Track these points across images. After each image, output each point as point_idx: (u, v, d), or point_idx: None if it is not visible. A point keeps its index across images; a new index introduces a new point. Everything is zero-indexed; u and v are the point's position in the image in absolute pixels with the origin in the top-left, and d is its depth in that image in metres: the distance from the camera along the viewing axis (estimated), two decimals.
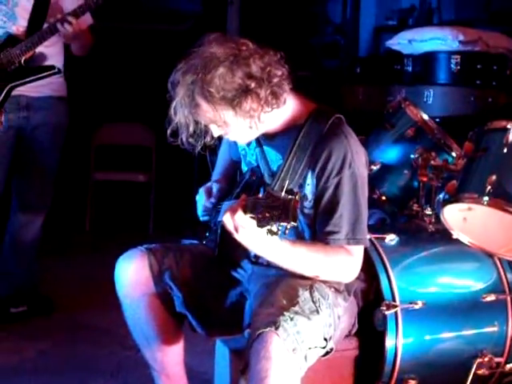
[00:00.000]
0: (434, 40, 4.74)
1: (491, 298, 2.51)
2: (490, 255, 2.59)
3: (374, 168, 2.89)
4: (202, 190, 2.48)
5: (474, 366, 2.46)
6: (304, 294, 2.13)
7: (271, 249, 2.08)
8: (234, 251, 2.36)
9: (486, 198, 2.38)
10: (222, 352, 2.53)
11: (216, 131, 2.20)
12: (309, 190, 2.21)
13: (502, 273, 2.57)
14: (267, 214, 1.91)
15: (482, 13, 5.58)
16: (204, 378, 2.97)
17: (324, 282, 2.21)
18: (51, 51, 3.53)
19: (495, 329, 2.52)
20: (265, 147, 2.32)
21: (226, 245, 2.31)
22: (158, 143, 5.57)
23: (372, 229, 2.47)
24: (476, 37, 4.71)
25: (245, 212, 1.97)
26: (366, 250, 2.27)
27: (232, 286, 2.43)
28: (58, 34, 3.42)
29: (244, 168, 2.46)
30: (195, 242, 2.54)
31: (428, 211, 2.79)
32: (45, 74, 3.47)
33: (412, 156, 2.86)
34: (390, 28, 6.29)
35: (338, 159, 2.15)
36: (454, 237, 2.57)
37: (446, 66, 4.68)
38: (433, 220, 2.76)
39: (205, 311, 2.39)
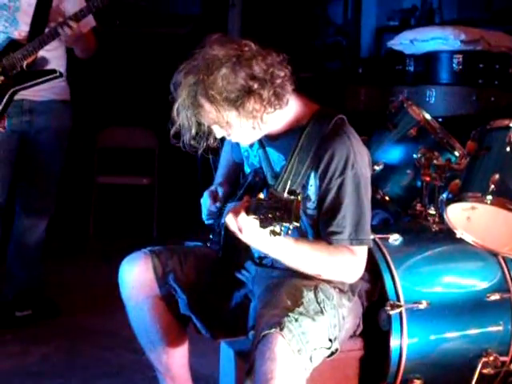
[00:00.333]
0: (436, 40, 4.75)
1: (496, 297, 2.51)
2: (494, 254, 2.58)
3: (377, 168, 2.89)
4: (206, 194, 2.48)
5: (480, 366, 2.45)
6: (308, 295, 2.13)
7: (274, 246, 2.08)
8: (237, 253, 2.37)
9: (489, 197, 2.38)
10: (226, 354, 2.53)
11: (219, 132, 2.20)
12: (312, 190, 2.21)
13: (507, 271, 2.57)
14: (270, 215, 1.91)
15: (483, 12, 5.59)
16: (209, 380, 2.98)
17: (328, 282, 2.21)
18: (53, 55, 3.54)
19: (500, 328, 2.51)
20: (267, 148, 2.32)
21: (230, 247, 2.32)
22: (160, 146, 5.57)
23: (375, 229, 2.46)
24: (478, 36, 4.72)
25: (248, 213, 1.98)
26: (369, 251, 2.27)
27: (236, 288, 2.43)
28: (59, 38, 3.43)
29: (247, 169, 2.46)
30: (199, 244, 2.54)
31: (431, 211, 2.79)
32: (46, 77, 3.48)
33: (415, 156, 2.85)
34: (391, 28, 6.30)
35: (340, 160, 2.15)
36: (458, 236, 2.57)
37: (448, 65, 4.69)
38: (436, 219, 2.76)
39: (209, 313, 2.39)
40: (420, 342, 2.43)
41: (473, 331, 2.49)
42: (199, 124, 2.18)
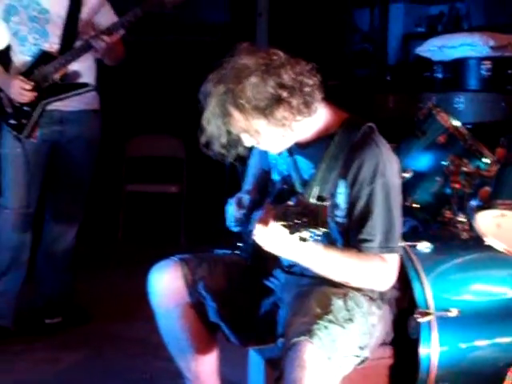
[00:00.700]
0: (464, 46, 4.73)
1: None
2: None
3: (406, 176, 2.88)
4: (232, 201, 2.48)
5: (510, 375, 2.43)
6: (338, 303, 2.13)
7: (304, 254, 2.08)
8: (266, 261, 2.37)
9: None
10: (255, 361, 2.53)
11: (248, 141, 2.21)
12: (341, 199, 2.21)
13: None
14: (297, 221, 1.92)
15: (511, 18, 5.55)
16: None
17: (358, 290, 2.21)
18: (84, 67, 3.58)
19: None
20: (296, 156, 2.32)
21: (259, 254, 2.31)
22: (188, 154, 5.58)
23: (405, 236, 2.45)
24: (506, 42, 4.69)
25: (275, 220, 1.98)
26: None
27: (265, 296, 2.43)
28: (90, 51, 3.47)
29: (275, 177, 2.46)
30: (228, 251, 2.55)
31: (461, 218, 2.77)
32: (79, 91, 3.52)
33: (444, 163, 2.84)
34: (418, 35, 6.28)
35: (370, 168, 2.15)
36: (488, 243, 2.55)
37: (477, 71, 4.67)
38: (466, 227, 2.74)
39: (238, 321, 2.40)
40: (450, 350, 2.41)
41: (504, 340, 2.47)
42: (229, 133, 2.19)
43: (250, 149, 2.34)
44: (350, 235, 2.22)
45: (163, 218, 5.92)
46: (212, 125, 2.16)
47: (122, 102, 5.81)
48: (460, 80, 4.78)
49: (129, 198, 5.65)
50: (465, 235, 2.71)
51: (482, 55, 4.66)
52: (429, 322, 2.36)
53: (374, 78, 6.16)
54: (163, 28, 5.92)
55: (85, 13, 3.52)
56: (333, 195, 2.21)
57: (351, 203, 2.19)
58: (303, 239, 1.94)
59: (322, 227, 1.90)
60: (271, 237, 2.00)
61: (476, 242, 2.61)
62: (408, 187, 2.88)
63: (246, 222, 2.42)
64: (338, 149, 2.20)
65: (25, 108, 3.47)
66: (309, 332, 1.98)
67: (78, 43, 3.49)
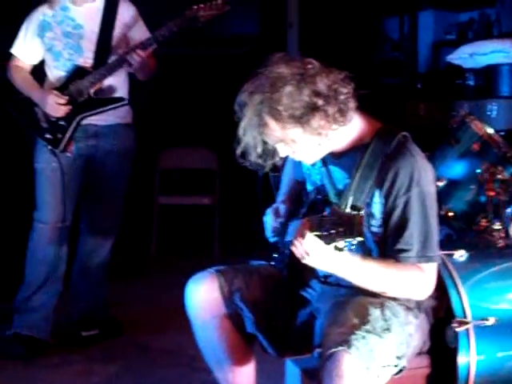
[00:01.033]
0: (496, 53, 4.70)
1: None
2: None
3: (440, 184, 2.87)
4: (269, 211, 2.49)
5: None
6: (375, 313, 2.12)
7: (342, 266, 2.09)
8: (302, 271, 2.37)
9: None
10: (292, 372, 2.53)
11: (283, 151, 2.22)
12: (377, 208, 2.21)
13: None
14: (333, 231, 1.93)
15: None
16: None
17: (394, 299, 2.20)
18: (118, 81, 3.61)
19: None
20: (330, 166, 2.33)
21: (295, 265, 2.32)
22: (221, 166, 5.61)
23: (440, 245, 2.44)
24: None
25: (311, 230, 1.99)
26: None
27: (301, 306, 2.43)
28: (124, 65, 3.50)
29: (309, 188, 2.47)
30: (263, 262, 2.55)
31: (496, 226, 2.76)
32: (114, 105, 3.55)
33: (478, 171, 2.83)
34: (448, 42, 6.26)
35: (405, 178, 2.15)
36: None
37: (509, 78, 4.64)
38: (502, 235, 2.73)
39: (275, 331, 2.40)
40: (488, 359, 2.39)
41: None
42: (264, 142, 2.20)
43: (284, 159, 2.35)
44: (386, 245, 2.21)
45: (196, 230, 5.94)
46: (248, 135, 2.16)
47: (155, 115, 5.85)
48: (492, 87, 4.75)
49: (162, 210, 5.69)
50: (501, 243, 2.70)
51: None
52: (467, 331, 2.35)
53: (404, 87, 6.15)
54: (195, 41, 5.95)
55: (118, 28, 3.56)
56: (368, 205, 2.21)
57: (387, 213, 2.19)
58: (339, 249, 1.95)
59: (358, 236, 1.91)
60: (308, 250, 2.01)
61: None
62: (442, 196, 2.87)
63: (282, 231, 2.43)
64: (372, 158, 2.20)
65: (60, 122, 3.51)
66: (346, 342, 1.98)
67: (112, 58, 3.53)
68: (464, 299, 2.40)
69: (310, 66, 2.13)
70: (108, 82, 3.55)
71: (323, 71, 2.14)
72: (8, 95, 3.69)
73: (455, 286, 2.42)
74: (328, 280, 2.35)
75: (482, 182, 2.82)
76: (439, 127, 3.25)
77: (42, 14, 3.55)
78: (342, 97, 2.14)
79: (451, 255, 2.52)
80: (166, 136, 5.94)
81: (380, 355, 2.04)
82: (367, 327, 2.06)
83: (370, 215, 2.21)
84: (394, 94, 5.91)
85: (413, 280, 2.18)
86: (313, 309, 2.41)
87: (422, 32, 6.44)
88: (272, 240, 2.48)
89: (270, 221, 2.47)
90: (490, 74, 4.77)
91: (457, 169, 2.93)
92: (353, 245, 1.98)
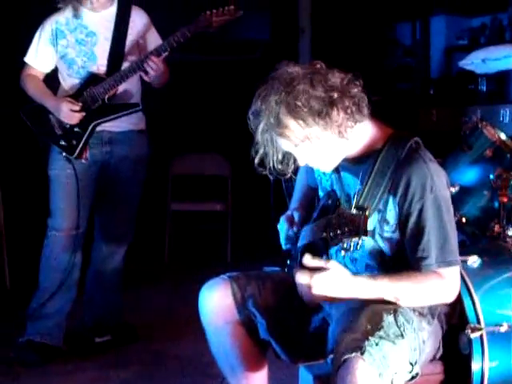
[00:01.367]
0: (508, 58, 4.69)
1: None
2: None
3: (453, 190, 2.87)
4: (283, 219, 2.49)
5: None
6: (388, 319, 2.11)
7: (355, 291, 2.11)
8: None
9: None
10: (305, 378, 2.53)
11: (301, 159, 2.21)
12: (391, 215, 2.21)
13: None
14: (338, 232, 1.93)
15: None
16: None
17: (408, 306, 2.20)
18: (131, 87, 3.64)
19: None
20: (342, 173, 2.33)
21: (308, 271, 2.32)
22: (233, 172, 5.61)
23: None
24: None
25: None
26: None
27: (314, 312, 2.43)
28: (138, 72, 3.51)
29: (321, 194, 2.47)
30: (276, 269, 2.56)
31: (510, 232, 2.76)
32: (128, 111, 3.57)
33: (491, 176, 2.83)
34: (461, 47, 6.25)
35: (418, 184, 2.15)
36: None
37: None
38: None
39: (288, 337, 2.40)
40: (501, 365, 2.38)
41: None
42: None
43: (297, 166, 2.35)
44: (407, 254, 2.21)
45: (209, 237, 5.94)
46: (267, 141, 2.16)
47: (167, 121, 5.86)
48: (505, 92, 4.75)
49: (174, 216, 5.70)
50: None
51: None
52: (480, 337, 2.34)
53: (416, 92, 6.14)
54: (207, 47, 5.97)
55: (131, 35, 3.58)
56: (380, 211, 2.21)
57: (403, 220, 2.19)
58: (345, 249, 1.95)
59: (364, 235, 1.91)
60: (314, 286, 2.06)
61: None
62: (455, 202, 2.84)
63: (295, 239, 2.43)
64: (384, 164, 2.20)
65: (75, 129, 3.53)
66: (360, 348, 1.98)
67: (125, 65, 3.54)
68: (477, 305, 2.39)
69: (318, 66, 2.16)
70: (121, 88, 3.57)
71: (332, 69, 2.16)
72: (22, 103, 3.71)
73: (468, 292, 2.41)
74: None
75: (495, 188, 2.82)
76: (452, 133, 3.25)
77: (54, 22, 3.58)
78: (355, 90, 2.15)
79: (465, 261, 2.51)
80: (179, 142, 5.96)
81: (393, 362, 2.03)
82: (380, 333, 2.05)
83: (384, 221, 2.21)
84: (407, 100, 5.90)
85: (431, 288, 2.17)
86: (325, 315, 2.41)
87: (434, 37, 6.44)
88: (286, 248, 2.46)
89: (284, 229, 2.46)
90: (502, 80, 4.77)
91: (470, 175, 2.93)
92: (358, 244, 1.99)
